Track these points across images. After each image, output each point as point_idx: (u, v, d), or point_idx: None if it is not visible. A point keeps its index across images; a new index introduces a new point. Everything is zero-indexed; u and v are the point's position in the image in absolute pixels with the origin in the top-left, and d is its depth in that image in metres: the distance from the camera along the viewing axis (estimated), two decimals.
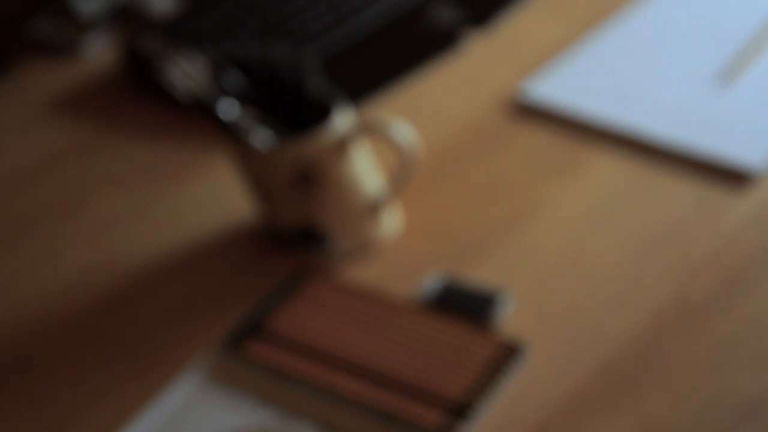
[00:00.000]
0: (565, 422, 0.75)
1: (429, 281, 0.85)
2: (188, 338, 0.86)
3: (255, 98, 0.88)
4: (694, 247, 0.85)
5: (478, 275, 0.85)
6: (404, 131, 0.87)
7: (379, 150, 0.91)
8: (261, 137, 0.87)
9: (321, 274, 0.87)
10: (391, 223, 0.91)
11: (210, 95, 0.86)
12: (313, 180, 0.86)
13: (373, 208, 0.89)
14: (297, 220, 0.88)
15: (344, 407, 0.78)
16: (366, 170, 0.89)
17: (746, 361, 0.76)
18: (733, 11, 1.04)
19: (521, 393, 0.77)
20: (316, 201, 0.87)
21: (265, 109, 0.89)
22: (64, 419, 0.83)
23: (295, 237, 0.90)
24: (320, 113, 0.87)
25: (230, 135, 0.87)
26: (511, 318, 0.82)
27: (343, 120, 0.86)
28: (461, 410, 0.76)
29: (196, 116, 1.00)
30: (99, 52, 1.21)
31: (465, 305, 0.82)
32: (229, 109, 0.86)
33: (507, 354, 0.79)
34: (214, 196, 0.99)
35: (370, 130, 0.87)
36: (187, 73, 0.88)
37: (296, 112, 0.89)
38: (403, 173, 0.88)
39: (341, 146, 0.86)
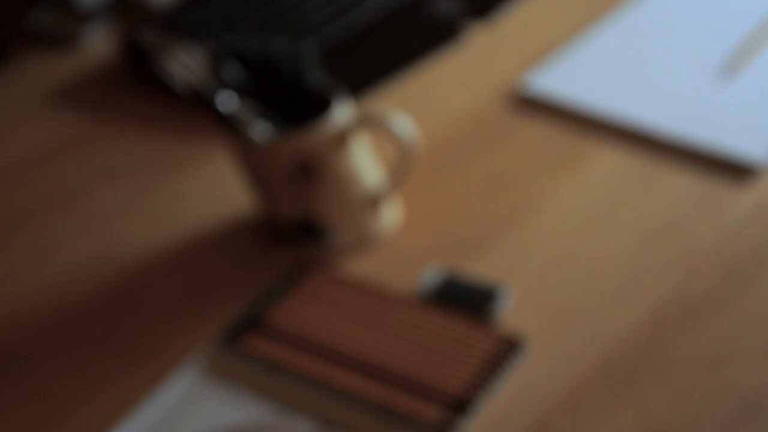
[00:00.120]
0: (565, 417, 0.75)
1: (429, 275, 0.85)
2: (186, 332, 0.85)
3: (254, 90, 0.88)
4: (696, 241, 0.84)
5: (479, 269, 0.85)
6: (404, 124, 0.86)
7: (379, 143, 0.90)
8: (260, 130, 0.87)
9: (320, 267, 0.87)
10: (390, 216, 0.90)
11: (209, 87, 0.86)
12: (313, 173, 0.86)
13: (372, 202, 0.89)
14: (296, 213, 0.88)
15: (342, 402, 0.78)
16: (366, 163, 0.88)
17: (748, 356, 0.76)
18: (736, 3, 1.04)
19: (521, 388, 0.77)
20: (316, 194, 0.87)
21: (264, 102, 0.89)
22: (62, 412, 0.82)
23: (295, 230, 0.89)
24: (320, 106, 0.87)
25: (229, 127, 0.86)
26: (511, 312, 0.82)
27: (342, 112, 0.86)
28: (460, 405, 0.76)
29: (194, 108, 1.00)
30: (98, 44, 1.21)
31: (465, 299, 0.82)
32: (227, 101, 0.86)
33: (507, 349, 0.78)
34: (212, 188, 0.98)
35: (369, 122, 0.86)
36: (185, 65, 0.88)
37: (295, 104, 0.89)
38: (403, 166, 0.88)
39: (341, 139, 0.86)
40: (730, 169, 0.89)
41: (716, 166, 0.89)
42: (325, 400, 0.78)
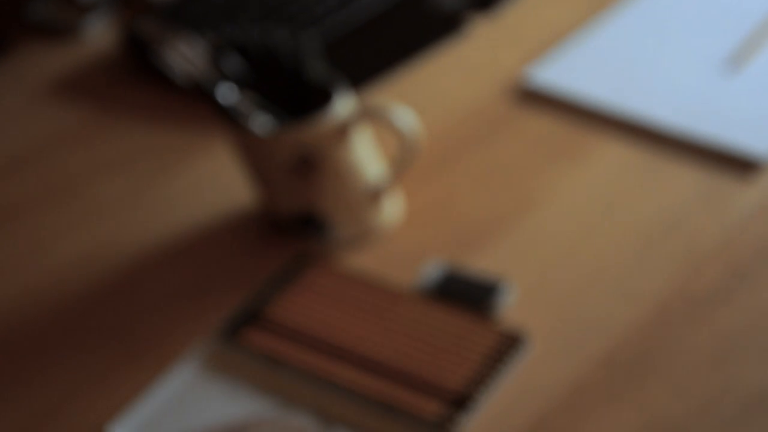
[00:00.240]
0: (567, 413, 0.75)
1: (430, 269, 0.84)
2: (186, 325, 0.85)
3: (255, 83, 0.88)
4: (700, 237, 0.84)
5: (480, 264, 0.85)
6: (406, 117, 0.86)
7: (381, 136, 0.90)
8: (260, 122, 0.86)
9: (320, 261, 0.87)
10: (392, 210, 0.90)
11: (209, 79, 0.86)
12: (313, 166, 0.85)
13: (373, 195, 0.88)
14: (297, 206, 0.88)
15: (342, 397, 0.77)
16: (367, 156, 0.88)
17: (751, 353, 0.76)
18: None
19: (522, 384, 0.76)
20: (316, 187, 0.86)
21: (265, 94, 0.88)
22: (61, 406, 0.82)
23: (295, 224, 0.89)
24: (321, 98, 0.87)
25: (229, 120, 0.86)
26: (512, 307, 0.81)
27: (343, 105, 0.85)
28: (461, 401, 0.75)
29: (195, 100, 1.00)
30: (98, 35, 1.20)
31: (466, 294, 0.82)
32: (228, 93, 0.86)
33: (508, 344, 0.78)
34: (212, 181, 0.98)
35: (371, 115, 0.86)
36: (186, 56, 0.88)
37: (296, 97, 0.89)
38: (404, 160, 0.87)
39: (342, 132, 0.85)
40: (734, 164, 0.88)
41: (720, 161, 0.89)
42: (324, 395, 0.78)
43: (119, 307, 0.89)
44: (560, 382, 0.76)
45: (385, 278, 0.85)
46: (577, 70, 0.99)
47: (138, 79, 1.12)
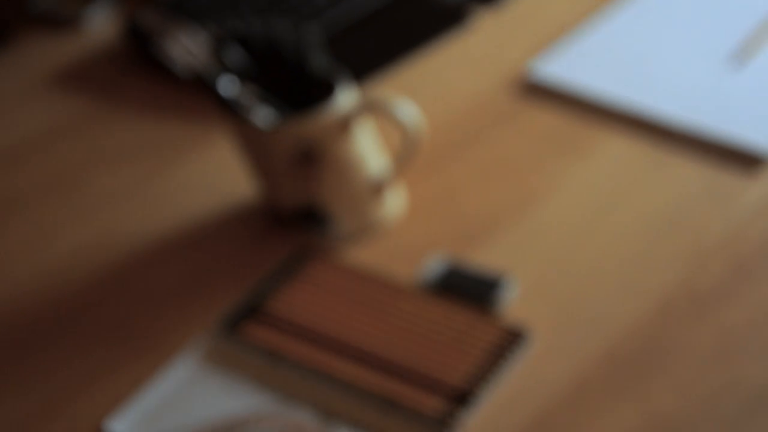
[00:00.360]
0: (569, 410, 0.74)
1: (432, 264, 0.84)
2: (186, 319, 0.85)
3: (256, 75, 0.87)
4: (704, 232, 0.83)
5: (483, 258, 0.84)
6: (408, 110, 0.85)
7: (383, 129, 0.89)
8: (262, 115, 0.86)
9: (322, 255, 0.86)
10: (394, 204, 0.89)
11: (211, 71, 0.86)
12: (315, 159, 0.85)
13: (376, 189, 0.88)
14: (298, 200, 0.88)
15: (343, 392, 0.77)
16: (369, 150, 0.87)
17: (755, 350, 0.75)
18: None
19: (524, 380, 0.76)
20: (318, 181, 0.86)
21: (267, 87, 0.88)
22: (60, 399, 0.82)
23: (296, 217, 0.89)
24: (323, 91, 0.86)
25: (231, 112, 0.86)
26: (515, 303, 0.81)
27: (346, 98, 0.85)
28: (462, 397, 0.75)
29: (196, 93, 1.00)
30: (100, 26, 1.20)
31: (468, 289, 0.81)
32: (229, 85, 0.86)
33: (510, 340, 0.78)
34: (214, 174, 0.98)
35: (373, 108, 0.85)
36: (188, 48, 0.88)
37: (298, 89, 0.88)
38: (407, 153, 0.87)
39: (344, 125, 0.85)
40: (739, 159, 0.88)
41: (725, 156, 0.89)
42: (325, 390, 0.77)
43: (118, 300, 0.89)
44: (562, 378, 0.76)
45: (386, 272, 0.84)
46: (582, 64, 0.99)
47: (140, 70, 1.11)
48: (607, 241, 0.84)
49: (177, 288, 0.88)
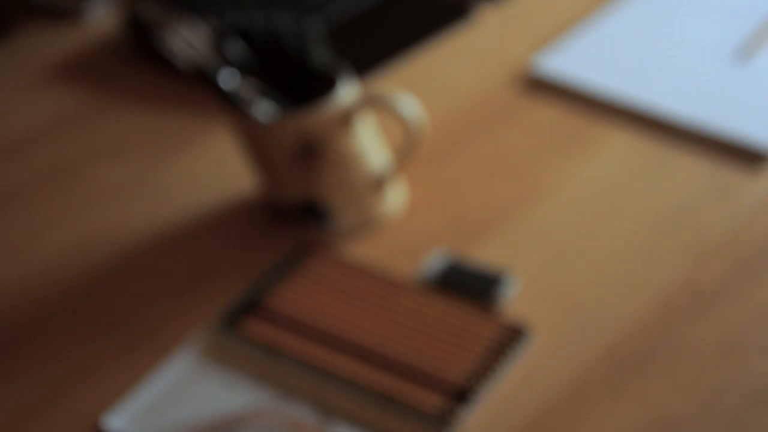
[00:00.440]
0: (569, 407, 0.74)
1: (433, 260, 0.83)
2: (185, 314, 0.84)
3: (257, 68, 0.87)
4: (707, 229, 0.83)
5: (484, 255, 0.84)
6: (410, 105, 0.85)
7: (385, 124, 0.89)
8: (263, 109, 0.86)
9: (322, 250, 0.86)
10: (395, 199, 0.89)
11: (212, 65, 0.85)
12: (316, 154, 0.85)
13: (377, 184, 0.87)
14: (299, 194, 0.87)
15: (342, 388, 0.76)
16: (370, 145, 0.87)
17: (757, 348, 0.75)
18: None
19: (524, 377, 0.76)
20: (319, 175, 0.86)
21: (268, 80, 0.88)
22: (58, 394, 0.81)
23: (297, 212, 0.88)
24: (324, 85, 0.86)
25: (231, 106, 0.85)
26: (516, 299, 0.81)
27: (347, 92, 0.84)
28: (462, 394, 0.74)
29: (197, 86, 0.99)
30: (101, 18, 1.20)
31: (469, 286, 0.81)
32: (230, 79, 0.85)
33: (511, 337, 0.77)
34: (214, 168, 0.98)
35: (375, 103, 0.85)
36: (188, 41, 0.87)
37: (299, 83, 0.88)
38: (408, 148, 0.86)
39: (345, 119, 0.84)
40: (743, 156, 0.88)
41: (729, 152, 0.88)
42: (324, 387, 0.77)
43: (117, 295, 0.88)
44: (563, 375, 0.75)
45: (387, 268, 0.84)
46: (585, 59, 0.99)
47: (140, 63, 1.11)
48: (609, 238, 0.84)
49: (176, 282, 0.88)
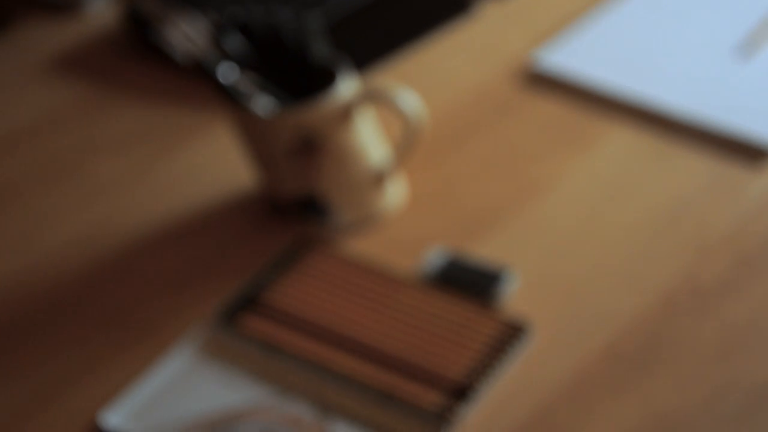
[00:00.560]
0: (569, 405, 0.74)
1: (432, 256, 0.83)
2: (183, 310, 0.84)
3: (257, 63, 0.87)
4: (707, 225, 0.83)
5: (484, 251, 0.84)
6: (410, 99, 0.85)
7: (384, 119, 0.89)
8: (262, 103, 0.85)
9: (321, 246, 0.86)
10: (395, 194, 0.89)
11: (211, 59, 0.85)
12: (316, 148, 0.84)
13: (376, 179, 0.87)
14: (298, 189, 0.87)
15: (341, 385, 0.76)
16: (370, 140, 0.87)
17: (758, 346, 0.75)
18: None
19: (524, 374, 0.75)
20: (318, 170, 0.85)
21: (267, 74, 0.87)
22: (55, 390, 0.81)
23: (296, 207, 0.88)
24: (324, 79, 0.85)
25: (231, 100, 0.85)
26: (516, 296, 0.80)
27: (347, 87, 0.84)
28: (461, 391, 0.74)
29: (196, 80, 0.99)
30: (100, 12, 1.20)
31: (469, 282, 0.80)
32: (230, 73, 0.85)
33: (511, 334, 0.77)
34: (213, 162, 0.97)
35: (375, 97, 0.85)
36: (188, 35, 0.87)
37: (299, 77, 0.88)
38: (408, 143, 0.86)
39: (345, 114, 0.84)
40: (744, 152, 0.87)
41: (730, 149, 0.88)
42: (322, 383, 0.77)
43: (115, 290, 0.88)
44: (563, 372, 0.75)
45: (386, 264, 0.84)
46: (587, 54, 0.98)
47: (139, 56, 1.11)
48: (610, 234, 0.84)
49: (174, 278, 0.87)
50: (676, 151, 0.89)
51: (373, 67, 1.03)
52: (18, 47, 1.18)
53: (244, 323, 0.81)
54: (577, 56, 0.98)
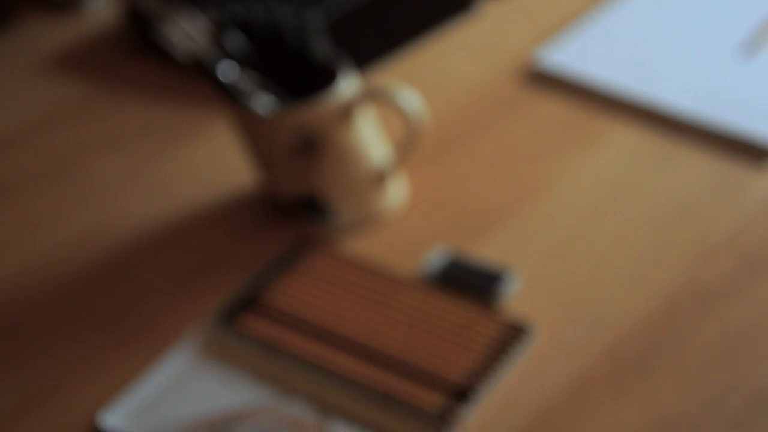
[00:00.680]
0: (571, 407, 0.73)
1: (434, 256, 0.83)
2: (182, 310, 0.84)
3: (257, 61, 0.87)
4: (711, 226, 0.82)
5: (485, 251, 0.83)
6: (411, 98, 0.84)
7: (385, 118, 0.88)
8: (262, 102, 0.85)
9: (322, 246, 0.85)
10: (396, 194, 0.88)
11: (211, 57, 0.85)
12: (316, 148, 0.84)
13: (377, 179, 0.87)
14: (298, 189, 0.87)
15: (341, 386, 0.76)
16: (371, 139, 0.86)
17: (761, 347, 0.74)
18: None
19: (526, 376, 0.75)
20: (319, 169, 0.85)
21: (268, 73, 0.87)
22: (51, 392, 0.81)
23: (296, 207, 0.88)
24: (324, 78, 0.85)
25: (231, 99, 0.85)
26: (517, 297, 0.80)
27: (348, 86, 0.84)
28: (462, 393, 0.74)
29: (196, 78, 0.99)
30: (100, 10, 1.20)
31: (470, 282, 0.80)
32: (230, 71, 0.84)
33: (512, 335, 0.76)
34: (213, 161, 0.97)
35: (375, 96, 0.84)
36: (188, 33, 0.87)
37: (300, 76, 0.87)
38: (409, 142, 0.86)
39: (346, 113, 0.84)
40: (748, 152, 0.87)
41: (734, 148, 0.88)
42: (322, 384, 0.76)
43: (114, 290, 0.88)
44: (565, 374, 0.75)
45: (387, 264, 0.83)
46: (589, 53, 0.98)
47: (139, 54, 1.11)
48: (612, 234, 0.83)
49: (173, 277, 0.87)
50: (679, 150, 0.89)
51: (374, 66, 1.02)
52: (18, 45, 1.18)
53: (244, 323, 0.80)
54: (579, 55, 0.98)
